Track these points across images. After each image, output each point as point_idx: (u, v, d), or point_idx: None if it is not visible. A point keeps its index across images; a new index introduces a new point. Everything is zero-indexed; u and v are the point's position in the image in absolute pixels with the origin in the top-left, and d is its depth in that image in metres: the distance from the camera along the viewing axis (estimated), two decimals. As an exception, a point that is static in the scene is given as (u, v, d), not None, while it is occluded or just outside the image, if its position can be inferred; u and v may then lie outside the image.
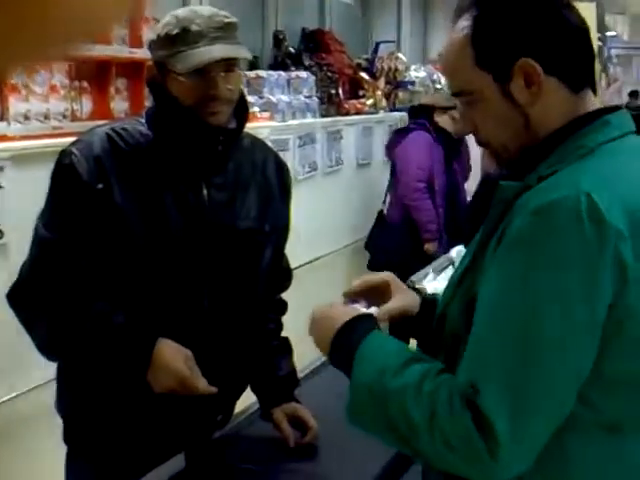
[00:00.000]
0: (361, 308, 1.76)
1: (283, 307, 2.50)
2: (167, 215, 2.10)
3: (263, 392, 2.36)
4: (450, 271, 4.57)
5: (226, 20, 2.10)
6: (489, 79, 1.49)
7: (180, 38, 2.06)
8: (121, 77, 3.74)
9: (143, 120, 2.17)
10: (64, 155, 2.10)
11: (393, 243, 5.66)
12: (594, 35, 5.21)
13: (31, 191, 3.09)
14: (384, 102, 7.17)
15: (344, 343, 1.57)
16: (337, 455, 2.25)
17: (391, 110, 7.33)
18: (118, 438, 2.21)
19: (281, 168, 2.38)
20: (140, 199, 2.08)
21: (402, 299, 1.79)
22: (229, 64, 2.09)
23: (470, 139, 9.04)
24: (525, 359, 1.34)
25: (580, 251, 1.34)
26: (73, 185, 2.06)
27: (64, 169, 2.08)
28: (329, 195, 5.82)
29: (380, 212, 5.94)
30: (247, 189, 2.24)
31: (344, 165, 6.10)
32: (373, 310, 1.77)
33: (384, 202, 5.96)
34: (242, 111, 2.21)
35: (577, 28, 1.50)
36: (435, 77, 8.42)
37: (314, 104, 5.71)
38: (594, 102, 1.53)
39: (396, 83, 7.66)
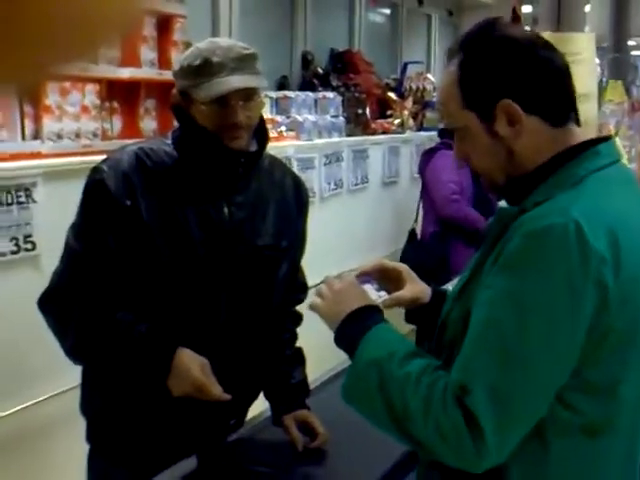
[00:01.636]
0: (372, 289, 1.88)
1: (298, 319, 2.63)
2: (190, 231, 2.24)
3: (276, 399, 2.48)
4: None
5: (245, 52, 2.23)
6: (475, 118, 1.63)
7: (201, 69, 2.19)
8: (150, 98, 3.88)
9: (169, 141, 2.31)
10: (95, 171, 2.24)
11: (426, 260, 5.81)
12: (592, 63, 5.23)
13: (62, 206, 3.24)
14: (411, 122, 7.28)
15: (356, 323, 1.70)
16: (345, 460, 2.36)
17: (419, 130, 7.45)
18: (137, 438, 2.34)
19: (298, 186, 2.52)
20: (165, 215, 2.22)
21: (413, 289, 1.93)
22: (248, 93, 2.22)
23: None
24: (510, 366, 1.49)
25: (566, 272, 1.48)
26: (103, 200, 2.20)
27: (95, 184, 2.22)
28: (355, 212, 5.95)
29: (412, 230, 6.13)
30: (266, 207, 2.38)
31: (370, 183, 6.23)
32: (383, 294, 1.89)
33: (415, 220, 6.14)
34: (262, 134, 2.34)
35: (556, 68, 1.63)
36: (463, 97, 8.51)
37: (340, 123, 5.84)
38: (581, 133, 1.66)
39: (424, 103, 7.77)
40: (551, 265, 1.48)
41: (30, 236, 3.17)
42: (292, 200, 2.47)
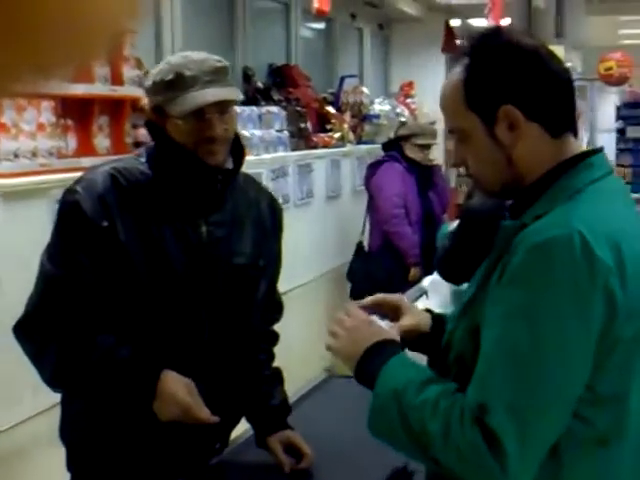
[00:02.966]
0: (377, 319, 1.86)
1: (274, 338, 2.59)
2: (168, 251, 2.19)
3: (257, 421, 2.44)
4: (424, 301, 4.68)
5: (217, 64, 2.21)
6: (477, 120, 1.63)
7: (175, 83, 2.16)
8: (103, 115, 3.81)
9: (143, 159, 2.26)
10: (69, 193, 2.18)
11: (374, 271, 5.86)
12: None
13: (22, 227, 3.17)
14: (351, 135, 7.31)
15: (373, 359, 1.68)
16: (331, 478, 2.34)
17: (357, 143, 7.47)
18: (120, 464, 2.28)
19: (273, 205, 2.50)
20: (142, 236, 2.17)
21: (413, 318, 1.92)
22: (223, 106, 2.19)
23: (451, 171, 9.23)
24: (528, 381, 1.49)
25: (574, 283, 1.48)
26: (78, 222, 2.14)
27: (70, 206, 2.16)
28: (301, 227, 5.94)
29: (359, 243, 6.18)
30: (243, 226, 2.34)
31: (314, 198, 6.23)
32: (385, 324, 1.88)
33: (362, 233, 6.19)
34: (238, 151, 2.31)
35: (559, 78, 1.64)
36: (399, 110, 8.58)
37: (285, 138, 5.82)
38: (576, 145, 1.67)
39: (362, 116, 7.81)
40: (559, 277, 1.49)
41: (-11, 259, 3.07)
42: (268, 218, 2.45)
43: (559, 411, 1.52)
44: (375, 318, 1.87)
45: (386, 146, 6.35)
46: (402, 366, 1.66)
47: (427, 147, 6.10)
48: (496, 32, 1.68)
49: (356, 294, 6.11)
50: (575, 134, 1.68)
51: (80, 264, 2.14)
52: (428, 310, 2.03)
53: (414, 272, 5.79)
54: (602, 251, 1.49)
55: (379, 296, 1.99)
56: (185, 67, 2.16)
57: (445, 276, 4.17)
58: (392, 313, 1.94)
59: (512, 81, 1.61)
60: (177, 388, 2.12)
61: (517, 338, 1.50)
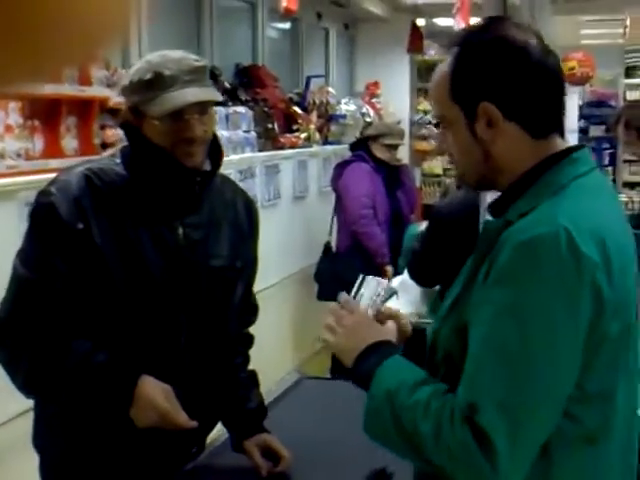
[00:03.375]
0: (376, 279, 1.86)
1: (250, 341, 2.57)
2: (144, 254, 2.16)
3: (234, 425, 2.42)
4: (394, 301, 4.67)
5: (196, 64, 2.17)
6: (460, 113, 1.64)
7: (153, 83, 2.12)
8: (71, 115, 3.76)
9: (118, 160, 2.22)
10: (43, 195, 2.14)
11: (341, 272, 5.83)
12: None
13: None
14: (317, 136, 7.29)
15: (367, 361, 1.68)
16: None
17: (324, 144, 7.46)
18: (95, 470, 2.24)
19: (250, 207, 2.47)
20: (118, 238, 2.13)
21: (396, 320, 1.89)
22: (202, 106, 2.16)
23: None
24: (517, 379, 1.49)
25: (561, 280, 1.48)
26: (53, 225, 2.10)
27: (44, 209, 2.12)
28: (268, 228, 5.90)
29: (327, 244, 6.16)
30: (220, 228, 2.31)
31: (282, 198, 6.20)
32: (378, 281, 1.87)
33: (330, 233, 6.17)
34: (216, 152, 2.28)
35: (545, 78, 1.62)
36: (364, 110, 8.58)
37: (252, 139, 5.79)
38: (561, 143, 1.66)
39: (328, 117, 7.79)
40: (546, 274, 1.48)
41: (-43, 263, 3.01)
42: (245, 220, 2.42)
43: (549, 409, 1.52)
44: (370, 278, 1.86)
45: (353, 146, 6.35)
46: (397, 367, 1.65)
47: (395, 147, 6.10)
48: (489, 24, 1.68)
49: (323, 295, 6.10)
50: (561, 134, 1.66)
51: (55, 268, 2.10)
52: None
53: (388, 270, 5.79)
54: (588, 247, 1.49)
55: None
56: (164, 66, 2.12)
57: (416, 279, 4.17)
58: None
59: (494, 79, 1.60)
60: (155, 394, 2.09)
61: (506, 337, 1.50)
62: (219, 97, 2.28)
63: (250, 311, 2.55)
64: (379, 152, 6.03)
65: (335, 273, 5.93)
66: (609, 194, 1.71)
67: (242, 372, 2.49)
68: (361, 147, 6.16)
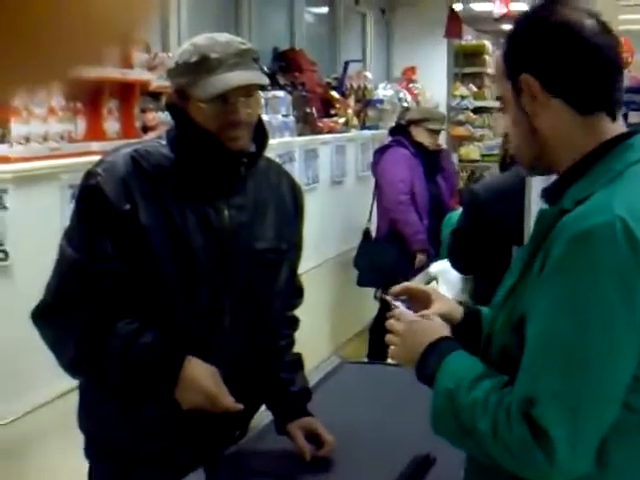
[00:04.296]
0: (402, 306, 1.85)
1: (295, 323, 2.56)
2: (190, 235, 2.15)
3: (278, 408, 2.41)
4: (433, 286, 4.65)
5: (242, 47, 2.16)
6: (510, 88, 1.64)
7: (200, 66, 2.11)
8: (113, 98, 3.77)
9: (164, 142, 2.22)
10: (90, 176, 2.14)
11: (381, 259, 5.81)
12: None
13: (34, 212, 3.14)
14: (355, 120, 7.27)
15: (428, 364, 1.69)
16: (352, 467, 2.31)
17: (362, 128, 7.43)
18: (140, 453, 2.25)
19: (295, 189, 2.46)
20: (164, 219, 2.13)
21: (441, 307, 1.88)
22: (248, 89, 2.15)
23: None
24: (575, 371, 1.47)
25: (618, 272, 1.46)
26: (100, 206, 2.10)
27: (91, 190, 2.12)
28: (308, 212, 5.90)
29: (366, 230, 6.12)
30: (265, 210, 2.31)
31: (320, 183, 6.19)
32: (410, 313, 1.86)
33: (369, 219, 6.13)
34: (261, 134, 2.27)
35: (597, 56, 1.60)
36: (402, 95, 8.55)
37: (291, 123, 5.78)
38: (614, 126, 1.63)
39: (365, 102, 7.76)
40: (602, 267, 1.46)
41: (1, 244, 3.03)
42: (290, 202, 2.41)
43: (607, 401, 1.49)
44: (399, 304, 1.85)
45: (393, 131, 6.28)
46: (455, 363, 1.65)
47: (437, 132, 6.04)
48: (543, 7, 1.68)
49: (363, 281, 6.10)
50: (613, 116, 1.63)
51: (101, 249, 2.10)
52: (461, 302, 2.01)
53: (420, 259, 5.75)
54: None
55: (406, 284, 1.96)
56: (211, 49, 2.12)
57: (454, 265, 4.15)
58: (422, 302, 1.90)
59: (535, 52, 1.61)
60: (201, 375, 2.09)
61: (563, 330, 1.48)
62: (265, 80, 2.27)
63: (295, 294, 2.54)
64: (421, 136, 5.92)
65: (373, 260, 5.91)
66: None
67: (286, 355, 2.49)
68: (400, 132, 6.08)
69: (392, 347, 1.78)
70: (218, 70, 2.11)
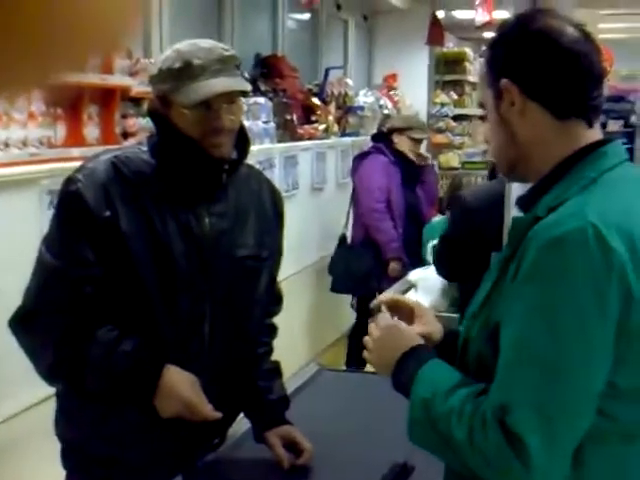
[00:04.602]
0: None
1: (274, 331, 2.56)
2: (170, 242, 2.15)
3: (256, 416, 2.41)
4: (412, 294, 4.65)
5: (226, 53, 2.16)
6: (491, 96, 1.67)
7: (183, 72, 2.11)
8: (94, 104, 3.76)
9: (145, 148, 2.22)
10: (70, 182, 2.13)
11: (356, 265, 5.82)
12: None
13: (12, 218, 3.13)
14: (336, 127, 7.28)
15: (404, 372, 1.69)
16: (330, 475, 2.31)
17: (342, 135, 7.44)
18: (117, 460, 2.24)
19: (275, 196, 2.47)
20: (144, 226, 2.13)
21: (426, 326, 1.89)
22: (231, 96, 2.16)
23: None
24: (549, 378, 1.47)
25: (590, 277, 1.47)
26: (80, 212, 2.09)
27: (71, 196, 2.12)
28: (287, 219, 5.91)
29: (342, 236, 6.13)
30: (246, 217, 2.31)
31: (299, 190, 6.20)
32: (389, 318, 1.87)
33: (345, 226, 6.14)
34: (243, 141, 2.27)
35: (573, 62, 1.61)
36: (382, 102, 8.57)
37: (271, 130, 5.78)
38: (590, 133, 1.64)
39: (346, 108, 7.77)
40: (575, 273, 1.47)
41: (-20, 250, 3.02)
42: (270, 210, 2.42)
43: (582, 407, 1.50)
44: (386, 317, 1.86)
45: (375, 137, 6.26)
46: (431, 372, 1.65)
47: (419, 141, 6.03)
48: (524, 15, 1.71)
49: (337, 287, 6.10)
50: (590, 123, 1.64)
51: (81, 255, 2.09)
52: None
53: (392, 267, 5.75)
54: (616, 242, 1.47)
55: (393, 297, 1.97)
56: (194, 55, 2.12)
57: (440, 271, 4.15)
58: (406, 316, 1.91)
59: (515, 58, 1.63)
60: (180, 383, 2.09)
61: (537, 336, 1.49)
62: (248, 87, 2.27)
63: (274, 301, 2.54)
64: (404, 145, 5.88)
65: (348, 266, 5.91)
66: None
67: (265, 363, 2.49)
68: (381, 139, 6.07)
69: (367, 350, 1.78)
70: (201, 76, 2.11)
